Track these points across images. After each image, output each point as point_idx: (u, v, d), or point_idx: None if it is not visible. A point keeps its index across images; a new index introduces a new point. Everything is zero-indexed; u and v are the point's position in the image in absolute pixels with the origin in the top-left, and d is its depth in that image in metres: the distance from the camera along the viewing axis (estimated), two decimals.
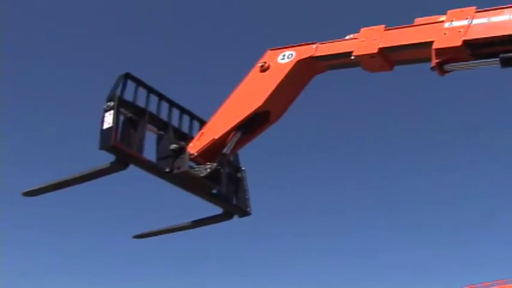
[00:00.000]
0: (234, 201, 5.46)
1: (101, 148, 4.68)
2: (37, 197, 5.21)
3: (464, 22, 4.48)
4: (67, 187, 5.06)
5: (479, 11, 4.51)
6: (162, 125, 5.12)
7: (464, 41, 4.38)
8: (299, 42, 5.17)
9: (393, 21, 4.90)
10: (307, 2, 18.72)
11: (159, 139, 5.09)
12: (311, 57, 5.03)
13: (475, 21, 4.45)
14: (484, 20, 4.43)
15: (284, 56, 5.11)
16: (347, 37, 5.01)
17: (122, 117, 4.83)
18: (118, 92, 4.82)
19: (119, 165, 4.79)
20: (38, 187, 5.09)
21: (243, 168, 5.60)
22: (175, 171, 4.88)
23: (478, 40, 4.37)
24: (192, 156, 4.94)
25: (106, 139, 4.65)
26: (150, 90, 5.08)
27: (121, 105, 4.79)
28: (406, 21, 4.87)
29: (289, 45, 5.19)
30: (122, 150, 4.71)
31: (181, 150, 4.94)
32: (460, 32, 4.44)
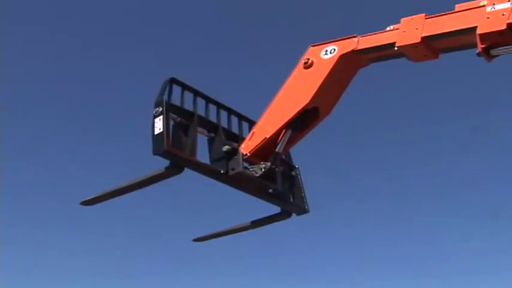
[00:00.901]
0: (291, 200, 5.50)
1: (155, 153, 4.72)
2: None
3: (507, 5, 4.45)
4: (124, 194, 5.13)
5: None
6: (212, 127, 5.18)
7: (509, 24, 4.35)
8: (337, 37, 5.19)
9: (432, 10, 4.94)
10: None
11: (211, 141, 5.15)
12: (354, 51, 5.05)
13: None
14: None
15: (327, 51, 5.14)
16: (388, 28, 5.02)
17: (171, 122, 4.88)
18: (165, 97, 4.88)
19: (174, 169, 4.83)
20: (95, 196, 5.18)
21: (296, 166, 5.64)
22: (231, 172, 4.93)
23: None
24: (245, 157, 5.00)
25: (159, 144, 4.69)
26: (196, 93, 5.15)
27: (169, 110, 4.85)
28: (445, 8, 4.88)
29: (331, 40, 5.22)
30: (175, 154, 4.76)
31: (234, 151, 5.00)
32: (503, 15, 4.42)
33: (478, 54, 4.50)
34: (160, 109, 4.80)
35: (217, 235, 5.77)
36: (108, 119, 19.16)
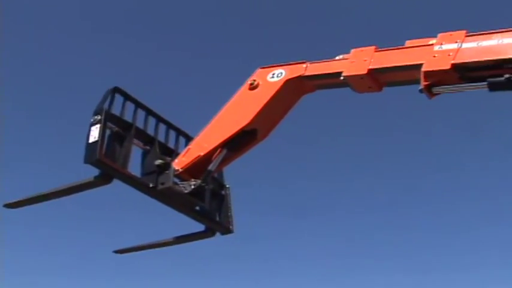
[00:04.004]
0: (217, 219, 5.44)
1: (86, 162, 4.66)
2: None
3: (454, 45, 4.47)
4: (49, 200, 5.04)
5: (469, 35, 4.50)
6: (148, 140, 5.13)
7: (453, 65, 4.37)
8: (292, 61, 5.16)
9: (386, 43, 4.93)
10: (300, 21, 18.61)
11: (145, 154, 5.09)
12: (300, 77, 5.01)
13: (465, 45, 4.44)
14: (473, 44, 4.43)
15: (274, 74, 5.10)
16: (337, 57, 5.00)
17: (108, 132, 4.81)
18: (106, 106, 4.81)
19: (102, 179, 4.77)
20: (19, 200, 5.08)
21: (227, 185, 5.59)
22: (160, 186, 4.86)
23: (466, 64, 4.36)
24: (177, 172, 4.92)
25: (91, 153, 4.63)
26: (138, 104, 5.08)
27: (108, 119, 4.79)
28: (399, 43, 4.88)
29: (280, 63, 5.18)
30: (106, 164, 4.69)
31: (167, 165, 4.93)
32: (449, 55, 4.43)
33: (421, 91, 4.48)
34: (99, 117, 4.75)
35: (139, 248, 5.69)
36: None
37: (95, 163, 4.64)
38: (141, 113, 5.12)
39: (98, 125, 4.70)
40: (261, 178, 17.83)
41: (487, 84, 4.26)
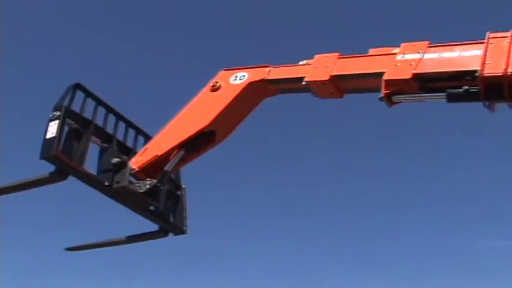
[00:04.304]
0: (172, 219, 5.39)
1: (42, 157, 4.59)
2: None
3: (416, 56, 4.49)
4: (3, 195, 4.96)
5: (431, 46, 4.53)
6: (107, 138, 5.05)
7: (414, 74, 4.38)
8: (255, 64, 5.13)
9: (350, 50, 4.93)
10: (266, 25, 18.66)
11: (102, 152, 5.02)
12: (263, 80, 4.99)
13: (427, 56, 4.47)
14: (435, 55, 4.46)
15: (236, 77, 5.07)
16: (301, 62, 5.00)
17: (67, 128, 4.74)
18: (66, 102, 4.73)
19: (58, 176, 4.70)
20: None
21: (183, 186, 5.53)
22: (115, 185, 4.79)
23: (427, 74, 4.38)
24: (133, 171, 4.85)
25: (48, 149, 4.56)
26: (99, 102, 5.01)
27: (67, 115, 4.71)
28: (362, 50, 4.89)
29: (244, 66, 5.15)
30: (62, 160, 4.62)
31: (123, 164, 4.86)
32: (411, 65, 4.45)
33: (380, 99, 4.48)
34: (58, 114, 4.68)
35: (91, 246, 5.61)
36: None
37: (51, 159, 4.58)
38: (101, 111, 5.04)
39: (57, 121, 4.63)
40: (262, 179, 18.09)
41: (446, 95, 4.28)
